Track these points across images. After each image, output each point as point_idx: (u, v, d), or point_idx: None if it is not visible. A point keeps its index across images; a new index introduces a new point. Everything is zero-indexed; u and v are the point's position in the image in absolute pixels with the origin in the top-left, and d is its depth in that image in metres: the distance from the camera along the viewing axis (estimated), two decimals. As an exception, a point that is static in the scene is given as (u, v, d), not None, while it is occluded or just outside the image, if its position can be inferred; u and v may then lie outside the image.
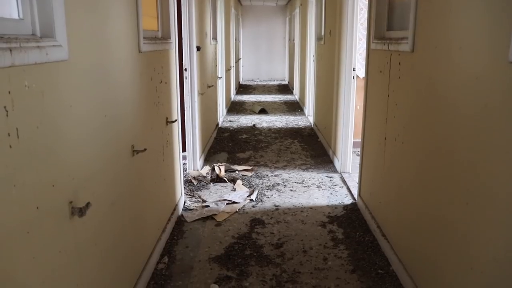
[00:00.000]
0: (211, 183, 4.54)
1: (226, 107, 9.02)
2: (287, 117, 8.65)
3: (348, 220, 3.67)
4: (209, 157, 5.59)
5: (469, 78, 1.87)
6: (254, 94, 12.42)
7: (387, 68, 3.09)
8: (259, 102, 10.61)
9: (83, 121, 1.75)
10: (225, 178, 4.58)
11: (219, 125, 7.46)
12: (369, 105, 3.68)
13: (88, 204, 1.65)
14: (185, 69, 4.59)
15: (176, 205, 3.69)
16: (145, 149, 2.47)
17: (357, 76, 4.82)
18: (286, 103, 10.64)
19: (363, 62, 5.73)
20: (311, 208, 3.95)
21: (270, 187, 4.47)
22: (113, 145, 2.12)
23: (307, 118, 8.46)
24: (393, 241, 2.95)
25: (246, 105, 10.17)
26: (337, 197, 4.24)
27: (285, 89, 13.69)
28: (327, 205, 4.02)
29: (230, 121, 8.12)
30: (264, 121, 8.13)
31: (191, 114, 4.72)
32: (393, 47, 2.92)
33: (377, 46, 3.34)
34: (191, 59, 4.59)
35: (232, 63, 10.60)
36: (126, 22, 2.34)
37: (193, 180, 4.55)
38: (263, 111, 9.14)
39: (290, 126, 7.73)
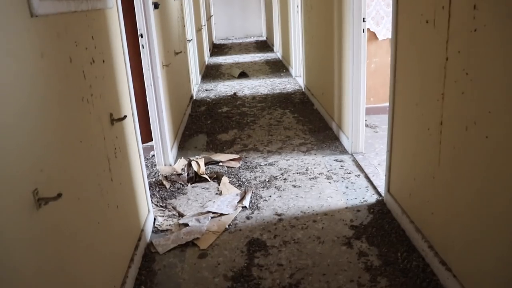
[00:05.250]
0: (189, 184, 3.47)
1: (200, 73, 7.82)
2: (271, 80, 7.52)
3: (381, 232, 2.67)
4: (184, 143, 4.48)
5: None
6: (230, 54, 11.17)
7: (442, 16, 2.00)
8: (237, 64, 9.41)
9: None
10: (206, 176, 3.51)
11: (194, 97, 6.31)
12: (401, 70, 2.61)
13: None
14: (141, 35, 3.41)
15: (142, 230, 2.64)
16: (58, 195, 1.37)
17: (368, 29, 3.72)
18: (267, 62, 9.46)
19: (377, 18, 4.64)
20: (325, 214, 2.93)
21: (266, 184, 3.43)
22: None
23: (295, 80, 7.34)
24: (465, 278, 1.96)
25: (223, 69, 8.97)
26: (356, 192, 3.22)
27: (264, 46, 12.44)
28: (345, 207, 3.00)
29: (206, 90, 6.96)
30: (246, 87, 6.99)
31: (154, 94, 3.59)
32: (459, -19, 1.82)
33: (418, -17, 2.24)
34: (147, 21, 3.41)
35: (203, 21, 9.30)
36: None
37: (164, 182, 3.48)
38: (243, 75, 7.98)
39: (277, 91, 6.62)
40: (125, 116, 2.24)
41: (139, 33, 3.40)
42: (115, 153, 2.22)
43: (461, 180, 1.95)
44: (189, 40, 6.07)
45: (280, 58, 9.62)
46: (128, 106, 2.54)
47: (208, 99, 6.28)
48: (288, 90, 6.62)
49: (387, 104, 4.72)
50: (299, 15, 7.03)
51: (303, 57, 6.30)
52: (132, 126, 2.61)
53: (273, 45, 11.19)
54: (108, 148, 2.11)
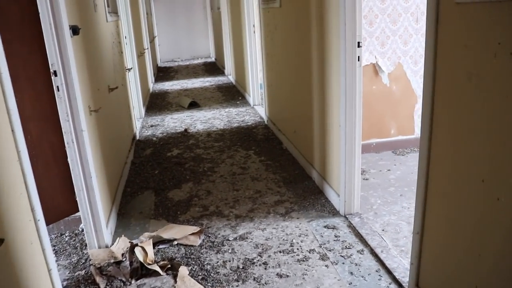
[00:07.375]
0: (133, 281, 2.46)
1: (144, 104, 6.78)
2: (226, 110, 6.59)
3: None
4: (125, 205, 3.45)
5: None
6: (177, 79, 10.15)
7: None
8: (186, 91, 8.42)
9: None
10: (156, 267, 2.51)
11: (137, 137, 5.26)
12: (446, 121, 1.76)
13: None
14: (54, 73, 2.40)
15: None
16: None
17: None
18: (220, 88, 8.53)
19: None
20: (334, 329, 2.02)
21: (241, 274, 2.47)
22: None
23: (254, 109, 6.46)
24: None
25: (171, 97, 7.95)
26: (366, 281, 2.33)
27: (214, 68, 11.51)
28: (359, 313, 2.10)
29: (152, 126, 5.92)
30: (199, 121, 6.02)
31: (79, 154, 2.56)
32: None
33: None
34: (63, 53, 2.40)
35: (146, 43, 8.28)
36: None
37: (97, 279, 2.44)
38: (194, 105, 7.01)
39: (235, 124, 5.69)
40: (2, 241, 1.24)
41: (51, 70, 2.39)
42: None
43: None
44: (129, 69, 5.06)
45: (234, 82, 8.73)
46: (23, 207, 1.53)
47: (155, 139, 5.25)
48: (248, 123, 5.71)
49: (371, 141, 3.91)
50: (255, 36, 6.20)
51: (265, 85, 5.44)
52: (34, 239, 1.60)
53: (223, 68, 10.30)
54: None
